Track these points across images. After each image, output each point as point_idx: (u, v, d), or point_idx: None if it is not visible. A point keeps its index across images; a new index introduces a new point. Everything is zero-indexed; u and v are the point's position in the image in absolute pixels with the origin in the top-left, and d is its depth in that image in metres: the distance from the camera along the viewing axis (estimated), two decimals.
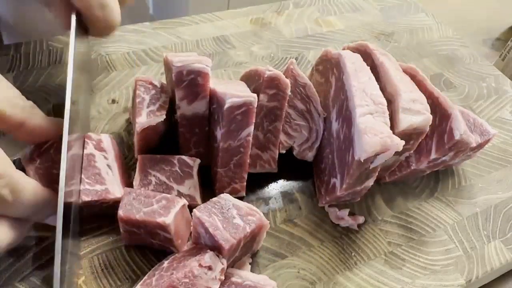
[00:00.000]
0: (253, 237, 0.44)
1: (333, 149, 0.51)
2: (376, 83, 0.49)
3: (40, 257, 0.44)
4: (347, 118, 0.48)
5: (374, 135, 0.44)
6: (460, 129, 0.49)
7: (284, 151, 0.54)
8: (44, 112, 0.57)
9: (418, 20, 0.83)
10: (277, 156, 0.53)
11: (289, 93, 0.52)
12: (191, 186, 0.48)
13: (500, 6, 1.03)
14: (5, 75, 0.59)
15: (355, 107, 0.46)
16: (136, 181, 0.47)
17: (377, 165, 0.45)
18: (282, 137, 0.54)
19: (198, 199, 0.49)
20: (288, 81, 0.51)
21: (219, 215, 0.43)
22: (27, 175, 0.45)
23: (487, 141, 0.55)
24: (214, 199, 0.44)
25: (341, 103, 0.50)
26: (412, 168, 0.53)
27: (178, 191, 0.48)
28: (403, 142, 0.44)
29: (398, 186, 0.56)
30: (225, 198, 0.44)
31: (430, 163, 0.52)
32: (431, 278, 0.49)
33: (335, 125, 0.52)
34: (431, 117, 0.48)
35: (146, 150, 0.52)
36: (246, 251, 0.46)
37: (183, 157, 0.50)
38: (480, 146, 0.55)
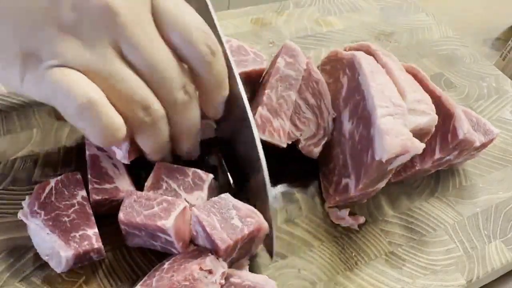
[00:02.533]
0: (251, 239, 0.44)
1: (344, 149, 0.51)
2: (393, 84, 0.49)
3: (40, 257, 0.44)
4: (364, 118, 0.48)
5: (395, 136, 0.43)
6: (464, 128, 0.49)
7: (290, 142, 0.53)
8: (44, 112, 0.56)
9: (418, 20, 0.83)
10: (287, 131, 0.52)
11: (302, 82, 0.51)
12: (198, 198, 0.47)
13: (500, 6, 1.03)
14: None
15: (376, 107, 0.46)
16: (147, 183, 0.47)
17: (393, 167, 0.45)
18: (290, 127, 0.53)
19: None
20: (305, 57, 0.51)
21: (217, 215, 0.43)
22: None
23: (491, 141, 0.55)
24: (214, 198, 0.44)
25: (356, 103, 0.50)
26: (417, 168, 0.53)
27: (185, 200, 0.47)
28: (423, 145, 0.44)
29: (399, 186, 0.56)
30: (225, 198, 0.44)
31: (434, 162, 0.52)
32: (431, 278, 0.49)
33: (347, 125, 0.51)
34: (436, 117, 0.48)
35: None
36: (245, 253, 0.46)
37: (198, 170, 0.49)
38: (484, 145, 0.54)
